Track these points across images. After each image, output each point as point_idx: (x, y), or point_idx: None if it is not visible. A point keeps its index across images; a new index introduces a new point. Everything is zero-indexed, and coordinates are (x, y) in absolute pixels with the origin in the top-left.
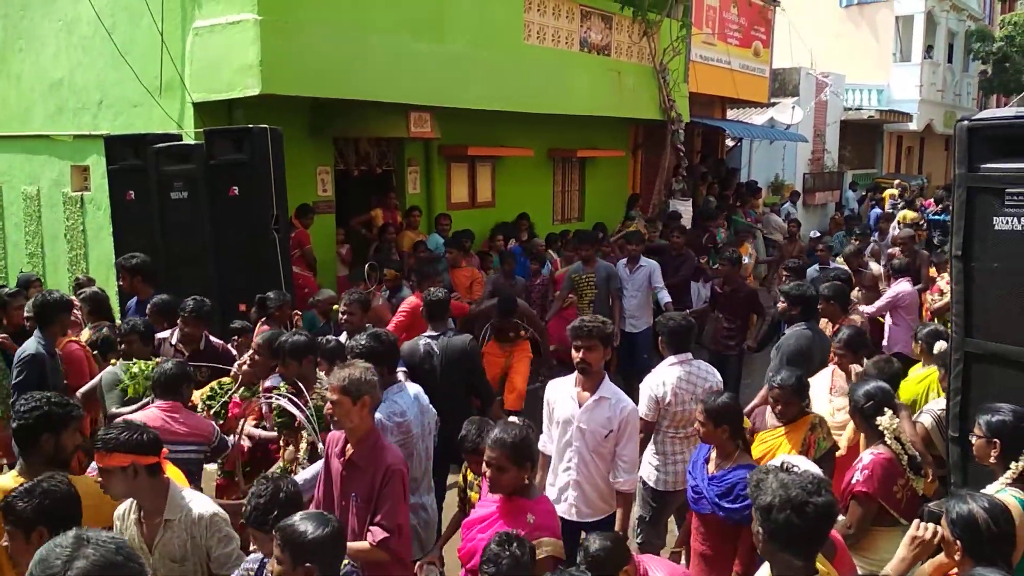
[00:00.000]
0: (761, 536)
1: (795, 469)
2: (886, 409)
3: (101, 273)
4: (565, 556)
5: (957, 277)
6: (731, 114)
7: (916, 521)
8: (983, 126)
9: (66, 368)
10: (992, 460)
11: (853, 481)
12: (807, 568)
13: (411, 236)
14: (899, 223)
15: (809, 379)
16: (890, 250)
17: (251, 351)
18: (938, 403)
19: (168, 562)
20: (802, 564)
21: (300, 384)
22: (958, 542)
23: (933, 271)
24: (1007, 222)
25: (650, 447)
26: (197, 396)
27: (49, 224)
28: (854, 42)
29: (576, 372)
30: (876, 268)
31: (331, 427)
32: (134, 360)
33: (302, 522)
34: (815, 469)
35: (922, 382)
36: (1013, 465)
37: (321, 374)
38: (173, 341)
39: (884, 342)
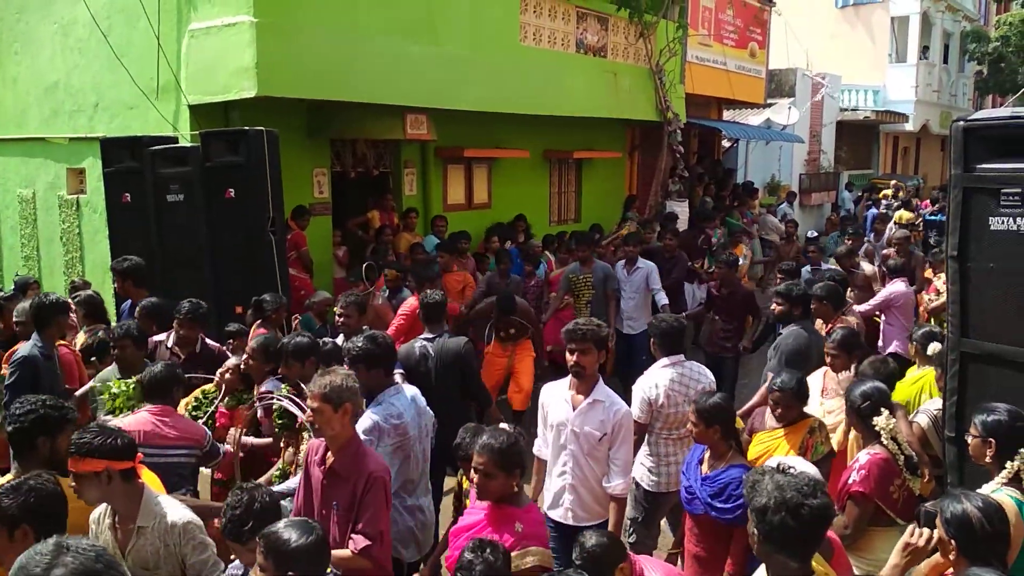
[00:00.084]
0: (757, 537)
1: (791, 471)
2: (882, 409)
3: (97, 276)
4: (554, 565)
5: (953, 277)
6: (727, 115)
7: (910, 527)
8: (979, 126)
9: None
10: (988, 460)
11: (850, 481)
12: (803, 570)
13: (408, 238)
14: (895, 223)
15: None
16: (885, 251)
17: (245, 355)
18: (934, 403)
19: (140, 569)
20: (798, 566)
21: (302, 385)
22: (953, 542)
23: (929, 272)
24: (1003, 222)
25: (643, 448)
26: (181, 406)
27: (45, 227)
28: (850, 43)
29: (570, 375)
30: (869, 268)
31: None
32: (118, 378)
33: (286, 530)
34: (812, 470)
35: (916, 383)
36: (1009, 464)
37: None
38: (169, 344)
39: (879, 342)
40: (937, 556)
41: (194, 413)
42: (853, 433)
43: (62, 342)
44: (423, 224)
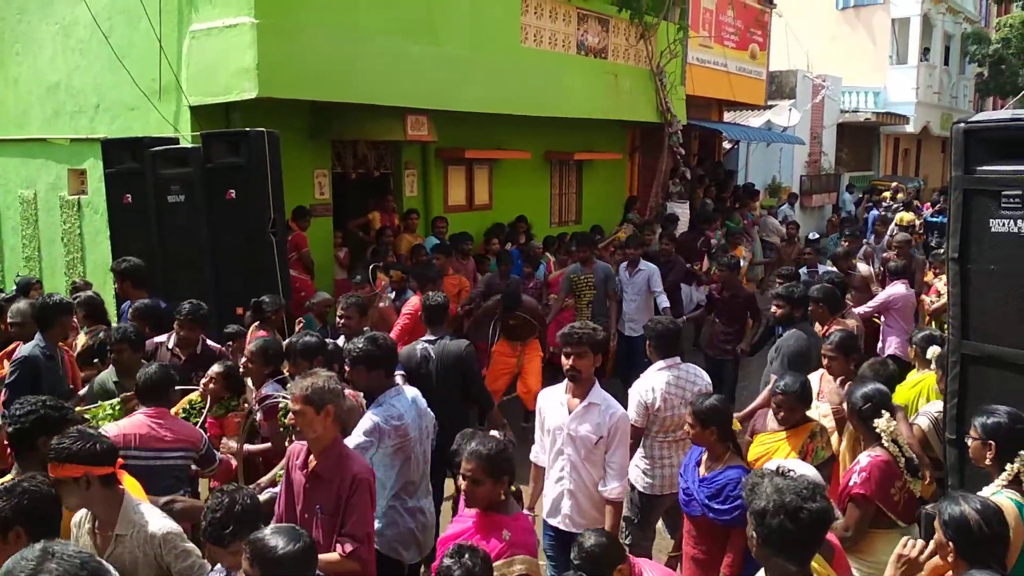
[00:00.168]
0: (755, 540)
1: (790, 473)
2: (883, 411)
3: (98, 277)
4: (542, 574)
5: (954, 279)
6: (728, 117)
7: (904, 539)
8: (979, 128)
9: None
10: (988, 462)
11: (851, 483)
12: (801, 573)
13: (409, 239)
14: (896, 225)
15: None
16: (885, 254)
17: (244, 358)
18: (935, 405)
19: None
20: (796, 569)
21: None
22: (951, 544)
23: (929, 275)
24: (1003, 224)
25: (639, 450)
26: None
27: (46, 228)
28: (850, 44)
29: (566, 379)
30: (865, 269)
31: (294, 438)
32: (115, 381)
33: (273, 537)
34: (811, 472)
35: (914, 387)
36: (1009, 467)
37: None
38: (170, 345)
39: (879, 344)
40: (936, 559)
41: None
42: (845, 442)
43: (60, 343)
44: (424, 225)
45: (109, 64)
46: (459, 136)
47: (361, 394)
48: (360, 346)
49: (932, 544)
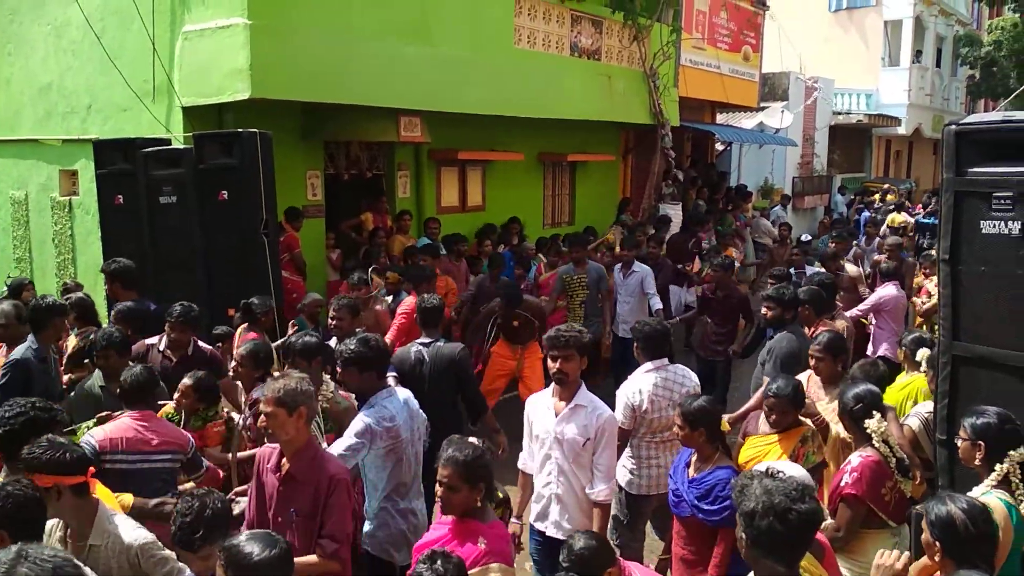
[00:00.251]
0: (745, 542)
1: (780, 475)
2: (874, 412)
3: (89, 278)
4: None
5: (945, 280)
6: (721, 118)
7: (880, 551)
8: (971, 130)
9: None
10: (977, 462)
11: (842, 484)
12: (790, 574)
13: (401, 240)
14: (888, 227)
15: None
16: (876, 256)
17: (234, 362)
18: (926, 406)
19: None
20: (785, 570)
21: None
22: (938, 543)
23: (919, 279)
24: (994, 226)
25: (626, 450)
26: None
27: (37, 229)
28: (843, 47)
29: (553, 383)
30: (853, 270)
31: (266, 440)
32: (101, 385)
33: (248, 543)
34: (800, 474)
35: (903, 389)
36: (998, 467)
37: (327, 377)
38: (161, 347)
39: (870, 346)
40: (925, 559)
41: None
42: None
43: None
44: (417, 226)
45: (101, 65)
46: (452, 137)
47: (352, 396)
48: (352, 347)
49: (904, 556)
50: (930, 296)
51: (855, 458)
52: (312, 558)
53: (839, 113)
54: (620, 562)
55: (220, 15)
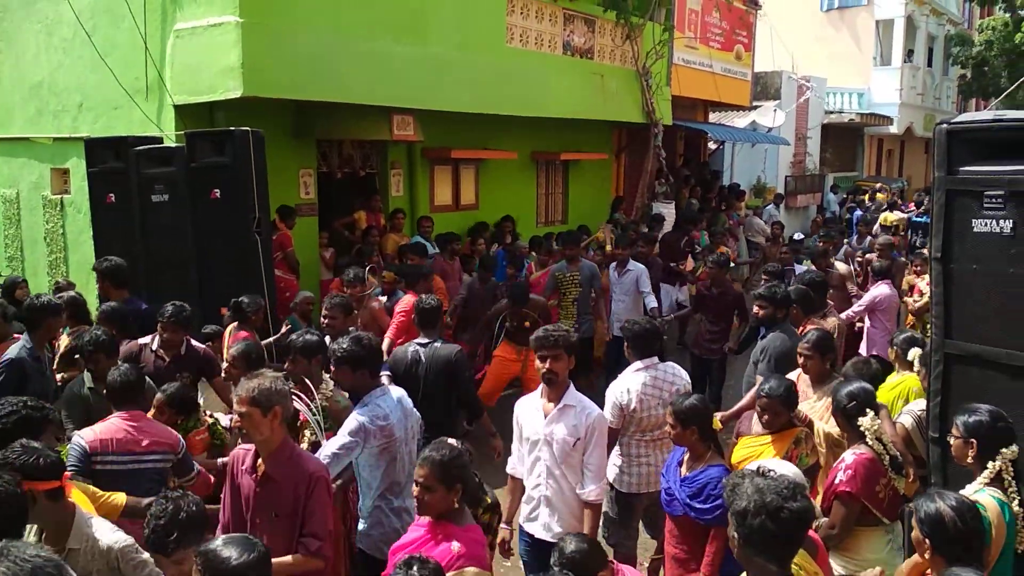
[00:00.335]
0: (737, 541)
1: (771, 473)
2: (868, 410)
3: (81, 277)
4: None
5: (937, 279)
6: (713, 117)
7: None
8: (962, 129)
9: None
10: (970, 460)
11: (836, 481)
12: (781, 573)
13: (395, 239)
14: (880, 225)
15: None
16: (868, 255)
17: (226, 363)
18: (918, 404)
19: None
20: (776, 569)
21: (308, 382)
22: (927, 541)
23: (910, 277)
24: (985, 224)
25: (616, 449)
26: None
27: (29, 228)
28: (835, 46)
29: (542, 384)
30: (843, 268)
31: (241, 440)
32: (90, 387)
33: (226, 547)
34: (791, 472)
35: (894, 389)
36: (991, 465)
37: (326, 376)
38: (154, 347)
39: (863, 344)
40: (916, 556)
41: None
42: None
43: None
44: (410, 225)
45: (92, 63)
46: (445, 136)
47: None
48: (344, 346)
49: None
50: (922, 295)
51: (849, 456)
52: (297, 557)
53: (831, 112)
54: (612, 564)
55: (212, 13)
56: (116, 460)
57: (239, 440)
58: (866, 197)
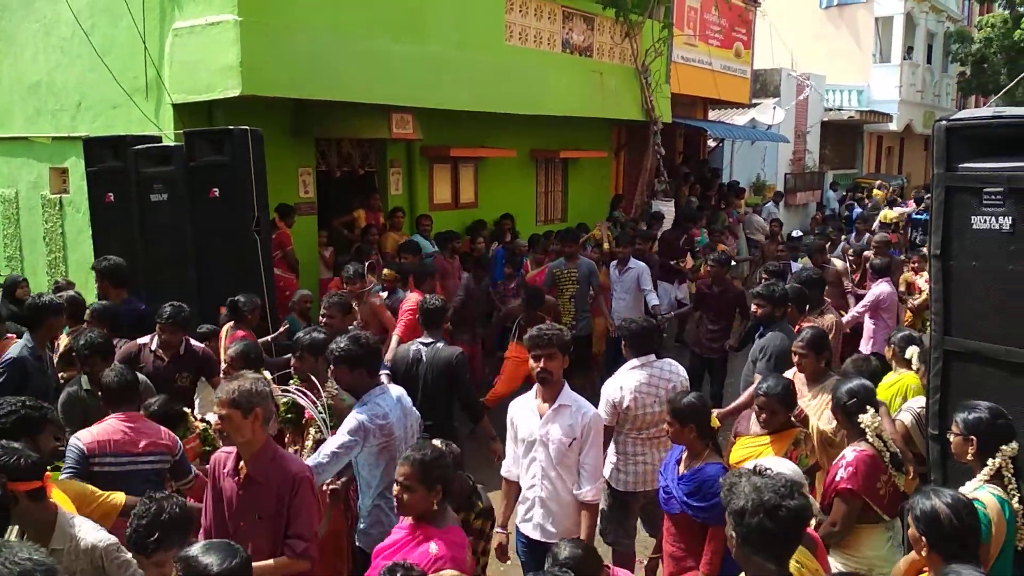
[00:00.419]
0: (735, 540)
1: (768, 472)
2: (868, 407)
3: (81, 277)
4: None
5: (936, 276)
6: (713, 115)
7: None
8: (961, 126)
9: None
10: (970, 457)
11: (837, 479)
12: (780, 572)
13: (394, 237)
14: (880, 222)
15: None
16: (866, 252)
17: (225, 364)
18: (918, 401)
19: None
20: (775, 568)
21: (314, 379)
22: (924, 538)
23: (908, 275)
24: (985, 221)
25: (612, 446)
26: None
27: (28, 227)
28: (834, 43)
29: (536, 384)
30: (840, 264)
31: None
32: (87, 389)
33: (206, 554)
34: (789, 470)
35: (892, 387)
36: (990, 462)
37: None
38: (153, 347)
39: (863, 342)
40: (914, 553)
41: None
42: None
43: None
44: (410, 223)
45: (91, 62)
46: (444, 134)
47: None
48: (342, 345)
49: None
50: (920, 292)
51: (849, 453)
52: (283, 560)
53: (830, 109)
54: (608, 569)
55: (210, 12)
56: (114, 461)
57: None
58: (864, 195)
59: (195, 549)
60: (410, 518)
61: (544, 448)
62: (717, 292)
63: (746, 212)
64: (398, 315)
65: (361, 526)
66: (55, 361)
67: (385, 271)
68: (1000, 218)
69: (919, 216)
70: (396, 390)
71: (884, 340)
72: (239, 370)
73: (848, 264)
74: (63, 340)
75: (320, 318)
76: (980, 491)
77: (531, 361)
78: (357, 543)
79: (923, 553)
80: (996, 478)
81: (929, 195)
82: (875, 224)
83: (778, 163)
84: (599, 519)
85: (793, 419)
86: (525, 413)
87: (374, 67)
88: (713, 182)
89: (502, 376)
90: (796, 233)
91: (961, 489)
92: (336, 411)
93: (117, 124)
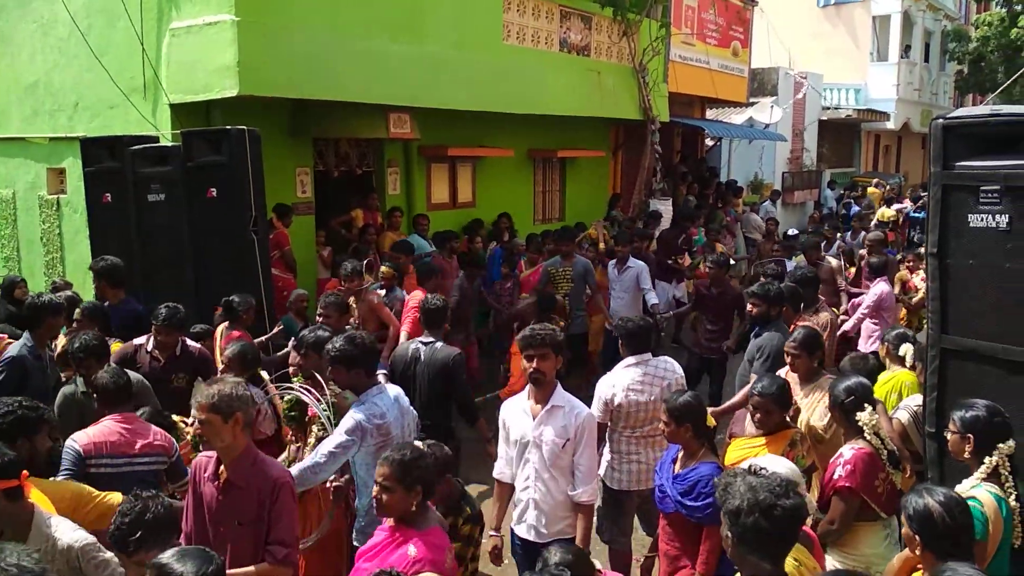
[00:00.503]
0: (731, 540)
1: (763, 471)
2: (866, 405)
3: (78, 277)
4: None
5: (933, 274)
6: (710, 114)
7: None
8: (958, 124)
9: None
10: (967, 455)
11: (835, 477)
12: (775, 572)
13: (392, 237)
14: (878, 220)
15: None
16: (861, 251)
17: (222, 365)
18: (915, 399)
19: None
20: (770, 568)
21: (318, 377)
22: (917, 537)
23: (903, 274)
24: (982, 219)
25: (606, 444)
26: None
27: (25, 228)
28: (832, 42)
29: (528, 385)
30: (834, 262)
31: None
32: (83, 392)
33: (180, 561)
34: (783, 469)
35: (886, 384)
36: (987, 460)
37: None
38: (149, 348)
39: (863, 341)
40: (907, 551)
41: None
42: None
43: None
44: (407, 223)
45: (88, 62)
46: (442, 134)
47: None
48: (338, 345)
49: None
50: (917, 290)
51: (847, 451)
52: (263, 566)
53: (828, 108)
54: (600, 574)
55: (208, 12)
56: (110, 463)
57: None
58: (859, 193)
59: (168, 556)
60: (391, 520)
61: (538, 450)
62: (716, 293)
63: (744, 211)
64: (402, 314)
65: (358, 525)
66: (54, 360)
67: (383, 269)
68: (997, 216)
69: (917, 215)
70: (394, 389)
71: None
72: (237, 370)
73: (841, 262)
74: (60, 340)
75: (317, 318)
76: (977, 489)
77: (523, 362)
78: (355, 542)
79: (917, 552)
80: (993, 476)
81: (926, 193)
82: (873, 222)
83: (776, 162)
84: (596, 516)
85: (791, 422)
86: (517, 414)
87: (372, 67)
88: (711, 181)
89: (514, 373)
90: (792, 232)
91: (958, 487)
92: (340, 409)
93: (114, 124)
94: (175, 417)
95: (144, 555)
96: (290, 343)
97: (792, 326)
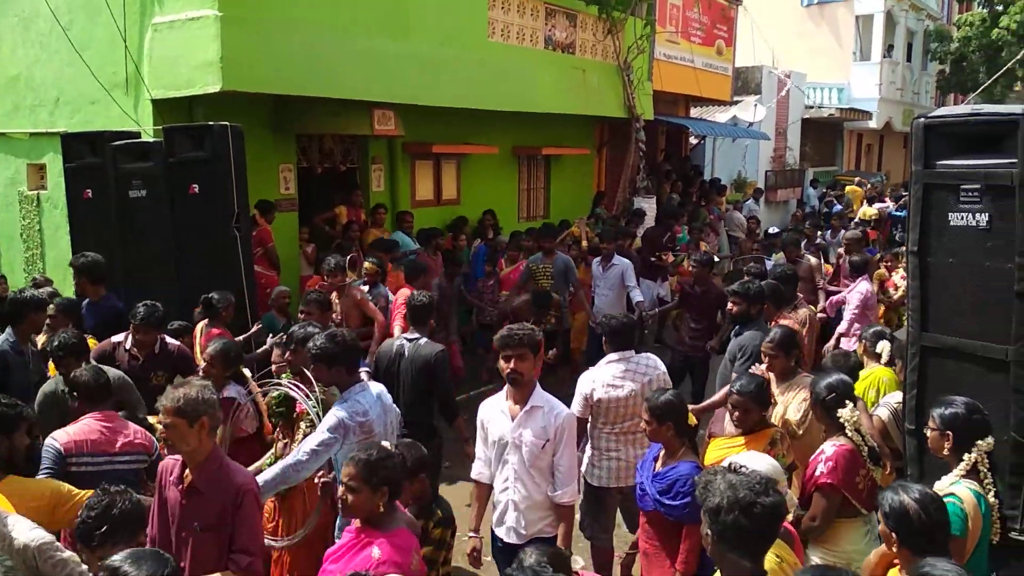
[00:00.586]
0: (711, 538)
1: (743, 469)
2: (847, 402)
3: (59, 273)
4: None
5: (913, 272)
6: (694, 112)
7: None
8: (939, 124)
9: None
10: (946, 452)
11: (817, 473)
12: (755, 570)
13: (376, 234)
14: (859, 219)
15: None
16: (840, 250)
17: (204, 364)
18: (895, 396)
19: None
20: (750, 565)
21: (308, 373)
22: (893, 533)
23: (882, 272)
24: (962, 218)
25: (587, 440)
26: None
27: (5, 224)
28: (815, 41)
29: (507, 385)
30: (813, 260)
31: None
32: (63, 390)
33: (133, 564)
34: (763, 467)
35: (864, 380)
36: (967, 457)
37: None
38: (128, 346)
39: (845, 340)
40: (883, 547)
41: None
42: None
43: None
44: (391, 220)
45: (69, 57)
46: (426, 131)
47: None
48: (319, 343)
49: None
50: (896, 288)
51: (828, 447)
52: (226, 574)
53: (811, 107)
54: (577, 574)
55: (190, 7)
56: (91, 461)
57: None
58: (840, 191)
59: (121, 558)
60: (354, 520)
61: (517, 451)
62: (699, 292)
63: (727, 209)
64: (391, 313)
65: (340, 521)
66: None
67: (366, 264)
68: (977, 215)
69: (899, 213)
70: (376, 387)
71: None
72: (220, 368)
73: (820, 260)
74: (41, 338)
75: (299, 315)
76: (956, 486)
77: (501, 362)
78: (336, 539)
79: (894, 548)
80: (972, 473)
81: (907, 192)
82: (854, 220)
83: (759, 160)
84: (578, 512)
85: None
86: (496, 415)
87: (356, 63)
88: (695, 179)
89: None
90: (773, 230)
91: (937, 484)
92: (328, 405)
93: (96, 120)
94: (151, 419)
95: (109, 550)
96: (268, 340)
97: (772, 323)
